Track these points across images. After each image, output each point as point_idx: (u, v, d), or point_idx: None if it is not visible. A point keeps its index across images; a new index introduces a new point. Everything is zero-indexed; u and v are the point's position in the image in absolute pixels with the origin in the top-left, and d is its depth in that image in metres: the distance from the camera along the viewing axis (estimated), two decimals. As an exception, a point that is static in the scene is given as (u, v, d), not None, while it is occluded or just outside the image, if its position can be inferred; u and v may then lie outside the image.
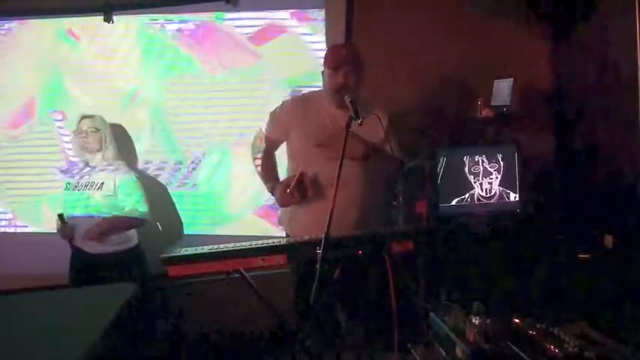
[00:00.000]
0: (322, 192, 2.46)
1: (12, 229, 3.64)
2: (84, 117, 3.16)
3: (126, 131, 3.37)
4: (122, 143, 3.27)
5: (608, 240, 2.79)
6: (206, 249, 2.21)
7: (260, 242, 2.23)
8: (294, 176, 2.48)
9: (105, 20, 3.38)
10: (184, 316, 3.39)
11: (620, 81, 2.75)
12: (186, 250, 2.23)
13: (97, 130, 3.11)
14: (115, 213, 3.03)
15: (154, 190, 3.34)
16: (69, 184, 3.16)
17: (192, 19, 3.46)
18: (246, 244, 2.21)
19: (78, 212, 3.04)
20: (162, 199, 3.48)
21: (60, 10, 3.46)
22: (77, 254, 3.10)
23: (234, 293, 2.88)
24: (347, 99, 2.33)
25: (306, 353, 2.23)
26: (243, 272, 2.21)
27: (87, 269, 3.05)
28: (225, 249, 2.17)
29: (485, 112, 3.21)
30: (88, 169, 3.14)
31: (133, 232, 3.15)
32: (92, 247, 3.04)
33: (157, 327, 3.25)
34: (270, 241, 2.27)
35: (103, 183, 3.05)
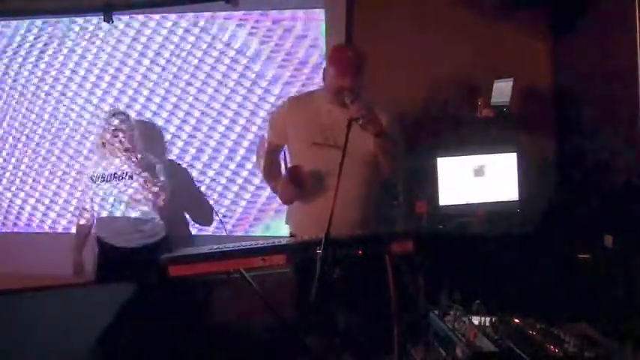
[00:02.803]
0: (322, 191, 2.46)
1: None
2: (114, 113, 3.17)
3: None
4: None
5: (608, 240, 2.79)
6: (206, 249, 2.21)
7: (260, 242, 2.23)
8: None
9: (105, 20, 3.38)
10: (184, 315, 3.39)
11: (620, 81, 2.76)
12: (187, 250, 2.23)
13: (132, 128, 3.15)
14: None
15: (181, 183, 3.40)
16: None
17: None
18: (246, 244, 2.21)
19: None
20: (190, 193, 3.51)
21: (60, 10, 3.46)
22: (105, 250, 3.14)
23: (234, 293, 2.88)
24: (347, 100, 2.33)
25: (306, 353, 2.23)
26: (243, 272, 2.21)
27: (115, 264, 3.10)
28: (225, 249, 2.17)
29: (485, 112, 3.21)
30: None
31: (160, 226, 3.19)
32: (120, 242, 3.10)
33: (156, 326, 3.26)
34: (270, 241, 2.28)
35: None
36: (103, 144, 3.14)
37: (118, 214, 3.13)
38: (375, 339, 2.30)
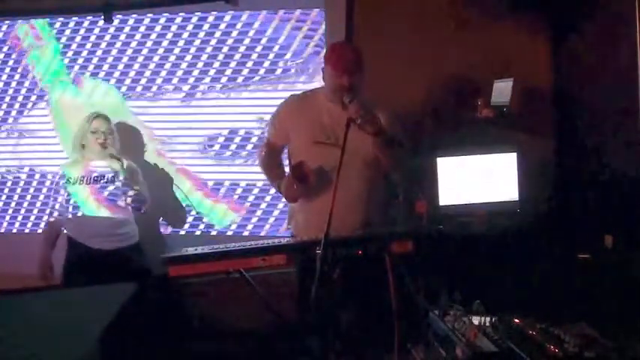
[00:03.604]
0: (324, 190, 2.45)
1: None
2: (96, 116, 3.14)
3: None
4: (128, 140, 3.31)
5: (608, 240, 2.79)
6: (206, 249, 2.21)
7: (260, 242, 2.24)
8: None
9: (105, 20, 3.37)
10: (184, 315, 3.39)
11: (620, 81, 2.75)
12: (187, 250, 2.24)
13: (112, 131, 3.13)
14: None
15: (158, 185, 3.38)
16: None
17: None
18: (246, 244, 2.21)
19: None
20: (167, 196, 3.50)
21: (60, 10, 3.46)
22: (76, 249, 3.09)
23: (234, 293, 2.88)
24: (345, 100, 2.32)
25: (306, 353, 2.23)
26: (244, 272, 2.22)
27: (87, 266, 3.05)
28: (225, 249, 2.18)
29: (485, 112, 3.20)
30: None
31: (134, 230, 3.16)
32: (94, 244, 3.05)
33: (156, 326, 3.26)
34: (270, 241, 2.28)
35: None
36: (82, 145, 3.12)
37: (94, 216, 3.09)
38: (375, 339, 2.30)
